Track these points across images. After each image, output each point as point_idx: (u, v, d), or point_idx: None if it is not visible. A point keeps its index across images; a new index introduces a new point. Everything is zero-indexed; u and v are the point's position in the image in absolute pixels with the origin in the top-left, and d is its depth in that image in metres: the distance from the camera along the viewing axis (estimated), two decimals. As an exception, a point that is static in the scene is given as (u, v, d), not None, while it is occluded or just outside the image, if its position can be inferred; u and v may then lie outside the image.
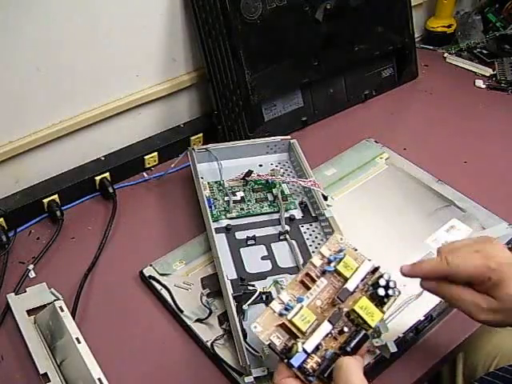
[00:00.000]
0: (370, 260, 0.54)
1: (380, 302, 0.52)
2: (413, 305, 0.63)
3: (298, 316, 0.50)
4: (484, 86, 1.07)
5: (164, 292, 0.66)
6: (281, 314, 0.51)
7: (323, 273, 0.53)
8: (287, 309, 0.51)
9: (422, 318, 0.63)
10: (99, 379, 0.55)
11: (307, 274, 0.53)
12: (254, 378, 0.56)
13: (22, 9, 0.67)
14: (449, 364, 0.71)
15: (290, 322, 0.51)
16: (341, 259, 0.53)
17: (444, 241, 0.72)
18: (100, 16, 0.75)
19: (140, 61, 0.83)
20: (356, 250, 0.55)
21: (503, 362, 0.65)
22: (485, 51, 1.15)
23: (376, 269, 0.54)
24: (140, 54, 0.82)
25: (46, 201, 0.77)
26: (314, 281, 0.53)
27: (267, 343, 0.50)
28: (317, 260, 0.54)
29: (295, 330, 0.51)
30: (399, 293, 0.53)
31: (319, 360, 0.49)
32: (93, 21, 0.74)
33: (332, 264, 0.53)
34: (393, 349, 0.55)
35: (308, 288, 0.53)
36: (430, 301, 0.64)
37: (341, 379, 0.46)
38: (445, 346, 0.63)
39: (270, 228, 0.73)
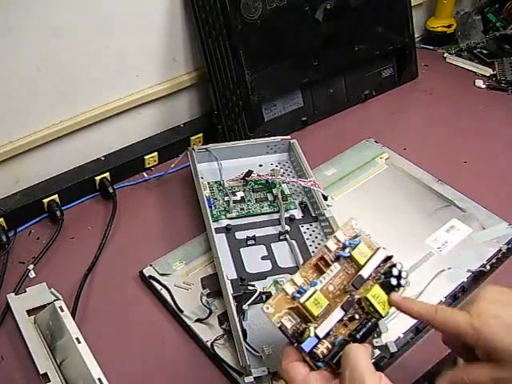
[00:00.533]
0: (384, 248, 0.54)
1: (391, 291, 0.52)
2: (413, 305, 0.63)
3: (312, 300, 0.50)
4: (484, 86, 1.07)
5: (164, 292, 0.66)
6: (293, 297, 0.51)
7: (337, 258, 0.53)
8: (300, 292, 0.51)
9: (422, 318, 0.63)
10: (99, 379, 0.55)
11: (322, 258, 0.53)
12: (254, 378, 0.56)
13: (22, 9, 0.67)
14: (449, 364, 0.71)
15: (303, 305, 0.50)
16: (356, 245, 0.53)
17: (444, 240, 0.72)
18: (100, 16, 0.75)
19: (140, 61, 0.83)
20: (370, 236, 0.55)
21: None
22: (485, 51, 1.15)
23: (389, 258, 0.53)
24: (140, 54, 0.82)
25: (45, 201, 0.77)
26: (328, 265, 0.53)
27: (278, 325, 0.50)
28: (332, 244, 0.53)
29: (307, 314, 0.50)
30: (409, 284, 0.53)
31: (329, 346, 0.49)
32: (93, 21, 0.74)
33: (347, 250, 0.53)
34: (393, 349, 0.55)
35: (321, 272, 0.52)
36: (431, 301, 0.64)
37: (348, 366, 0.46)
38: (445, 346, 0.63)
39: (270, 228, 0.73)
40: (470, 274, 0.68)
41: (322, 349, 0.48)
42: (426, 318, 0.51)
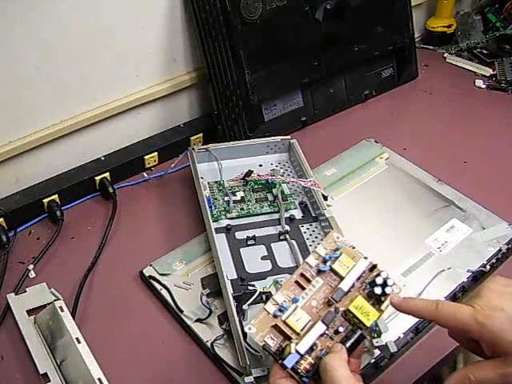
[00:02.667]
0: (366, 258, 0.53)
1: (377, 300, 0.52)
2: (413, 305, 0.63)
3: (292, 317, 0.50)
4: (484, 86, 1.07)
5: (164, 292, 0.66)
6: (275, 316, 0.51)
7: (319, 272, 0.53)
8: (281, 310, 0.51)
9: (422, 318, 0.63)
10: (99, 379, 0.55)
11: (302, 275, 0.53)
12: (254, 377, 0.56)
13: (22, 9, 0.67)
14: (449, 364, 0.71)
15: (284, 322, 0.51)
16: (336, 258, 0.53)
17: (444, 240, 0.72)
18: (100, 16, 0.75)
19: (140, 61, 0.83)
20: (354, 247, 0.54)
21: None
22: (485, 51, 1.14)
23: (374, 266, 0.53)
24: (140, 54, 0.82)
25: (45, 201, 0.77)
26: (309, 281, 0.53)
27: (261, 344, 0.50)
28: (312, 260, 0.54)
29: (289, 331, 0.50)
30: (399, 291, 0.52)
31: (312, 361, 0.49)
32: (93, 21, 0.74)
33: (327, 263, 0.53)
34: (393, 349, 0.55)
35: (303, 288, 0.53)
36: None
37: (327, 377, 0.46)
38: (445, 346, 0.63)
39: (270, 228, 0.73)
40: (469, 274, 0.68)
41: (304, 364, 0.49)
42: (428, 316, 0.50)
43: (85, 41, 0.75)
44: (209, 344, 0.61)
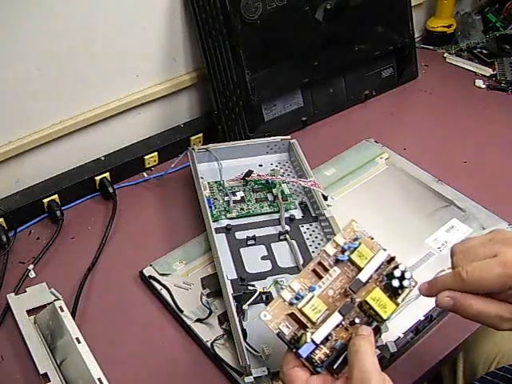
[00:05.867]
0: (385, 250, 0.53)
1: (394, 293, 0.51)
2: (413, 305, 0.62)
3: (309, 305, 0.50)
4: (484, 86, 1.07)
5: (164, 292, 0.66)
6: (291, 303, 0.50)
7: (336, 262, 0.52)
8: (298, 298, 0.50)
9: (422, 318, 0.63)
10: (99, 379, 0.55)
11: (320, 263, 0.52)
12: (254, 377, 0.56)
13: (21, 8, 0.67)
14: (449, 364, 0.71)
15: (300, 311, 0.50)
16: (355, 248, 0.52)
17: (444, 240, 0.72)
18: (100, 16, 0.75)
19: (140, 61, 0.83)
20: (372, 238, 0.53)
21: (504, 361, 0.65)
22: (485, 51, 1.15)
23: (392, 259, 0.52)
24: (140, 54, 0.82)
25: (45, 201, 0.77)
26: (326, 270, 0.52)
27: (276, 332, 0.49)
28: (330, 248, 0.52)
29: (305, 320, 0.50)
30: (415, 284, 0.52)
31: (328, 351, 0.48)
32: (93, 20, 0.74)
33: (346, 253, 0.52)
34: (393, 349, 0.55)
35: (320, 277, 0.52)
36: (430, 301, 0.64)
37: (357, 364, 0.45)
38: (445, 346, 0.63)
39: (270, 228, 0.73)
40: (469, 273, 0.68)
41: (319, 354, 0.48)
42: (460, 290, 0.49)
43: (85, 41, 0.75)
44: (209, 344, 0.61)
